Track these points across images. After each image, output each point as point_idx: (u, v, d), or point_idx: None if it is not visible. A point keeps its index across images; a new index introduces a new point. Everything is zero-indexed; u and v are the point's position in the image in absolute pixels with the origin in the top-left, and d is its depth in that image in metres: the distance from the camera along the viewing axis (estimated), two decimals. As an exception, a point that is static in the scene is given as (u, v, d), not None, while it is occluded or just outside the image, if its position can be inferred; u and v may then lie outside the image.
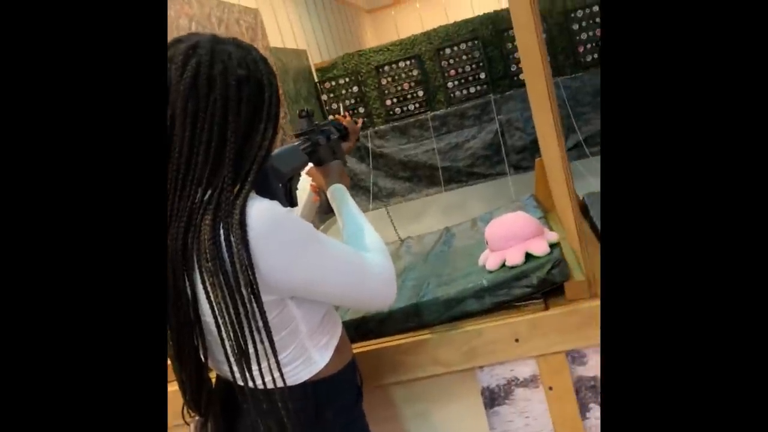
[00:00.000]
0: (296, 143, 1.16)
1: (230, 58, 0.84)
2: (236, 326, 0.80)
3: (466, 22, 6.52)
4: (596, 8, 5.87)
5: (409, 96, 6.66)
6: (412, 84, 6.65)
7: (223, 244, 0.78)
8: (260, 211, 0.81)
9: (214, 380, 0.97)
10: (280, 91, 5.71)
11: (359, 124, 1.45)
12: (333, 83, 6.78)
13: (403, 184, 6.64)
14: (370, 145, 6.53)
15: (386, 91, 6.70)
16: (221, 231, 0.78)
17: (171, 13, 3.90)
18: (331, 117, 1.43)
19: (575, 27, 6.01)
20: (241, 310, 0.80)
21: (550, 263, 1.38)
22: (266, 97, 0.87)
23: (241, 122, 0.83)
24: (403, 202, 6.56)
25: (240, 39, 0.88)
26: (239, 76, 0.84)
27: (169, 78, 0.80)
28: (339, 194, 1.14)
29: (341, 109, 1.63)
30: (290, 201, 1.06)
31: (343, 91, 6.77)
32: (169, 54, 0.81)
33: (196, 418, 0.96)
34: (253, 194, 0.84)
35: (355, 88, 6.75)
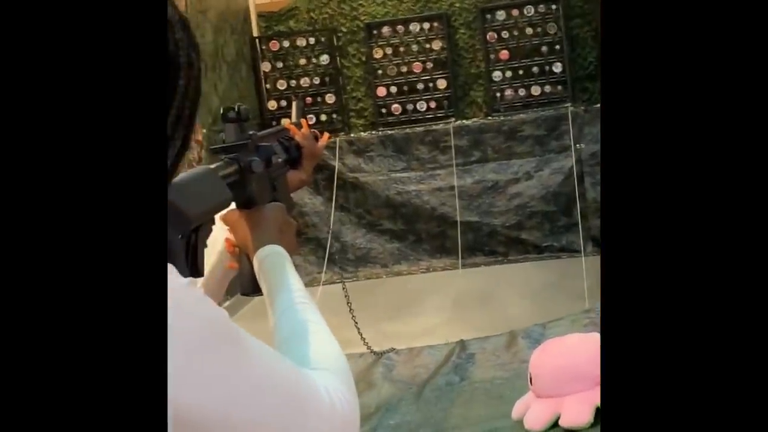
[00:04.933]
0: (214, 165, 1.25)
1: None
2: None
3: (541, -31, 6.81)
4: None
5: (420, 86, 6.89)
6: (429, 65, 6.88)
7: None
8: None
9: None
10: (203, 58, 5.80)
11: (324, 141, 1.55)
12: (286, 43, 6.99)
13: (387, 243, 6.76)
14: (336, 164, 6.67)
15: (380, 72, 6.92)
16: None
17: None
18: (283, 122, 1.52)
19: None
20: None
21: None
22: (180, 86, 0.96)
23: None
24: (385, 278, 6.65)
25: None
26: None
27: None
28: (274, 264, 1.21)
29: (294, 112, 1.70)
30: (193, 267, 1.15)
31: (303, 61, 6.96)
32: None
33: None
34: None
35: (325, 59, 6.95)
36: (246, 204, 1.29)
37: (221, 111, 1.30)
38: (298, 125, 1.51)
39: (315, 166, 1.51)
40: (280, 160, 1.38)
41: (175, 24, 0.98)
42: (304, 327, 1.11)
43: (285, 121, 1.56)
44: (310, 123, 6.12)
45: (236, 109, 1.29)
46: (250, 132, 1.31)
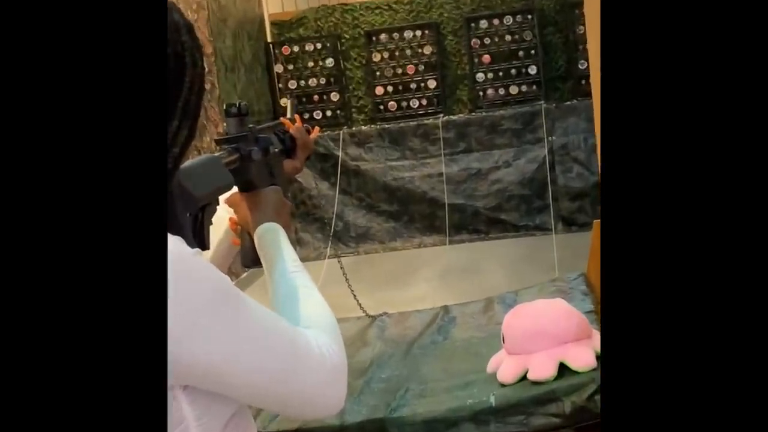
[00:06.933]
0: (218, 154, 1.25)
1: None
2: None
3: (518, -17, 6.80)
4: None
5: (413, 86, 6.88)
6: (421, 68, 6.86)
7: None
8: None
9: None
10: (211, 59, 5.82)
11: (314, 135, 1.55)
12: (296, 48, 6.97)
13: (384, 223, 6.77)
14: (340, 153, 6.67)
15: (378, 73, 6.91)
16: None
17: None
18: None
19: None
20: None
21: (594, 385, 1.49)
22: (186, 83, 0.96)
23: None
24: (381, 253, 6.66)
25: None
26: None
27: None
28: (271, 239, 1.21)
29: (289, 108, 1.71)
30: (200, 240, 1.15)
31: (311, 63, 6.95)
32: None
33: None
34: None
35: (330, 62, 6.94)
36: (247, 188, 1.28)
37: (224, 107, 1.31)
38: (293, 120, 1.51)
39: (311, 155, 1.50)
40: (276, 150, 1.37)
41: (181, 28, 0.97)
42: (296, 292, 1.11)
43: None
44: (317, 118, 6.08)
45: (237, 105, 1.29)
46: (250, 125, 1.31)
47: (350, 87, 7.03)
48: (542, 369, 1.59)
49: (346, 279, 1.84)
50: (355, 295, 1.90)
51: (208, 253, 1.25)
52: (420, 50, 6.86)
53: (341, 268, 1.79)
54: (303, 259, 1.21)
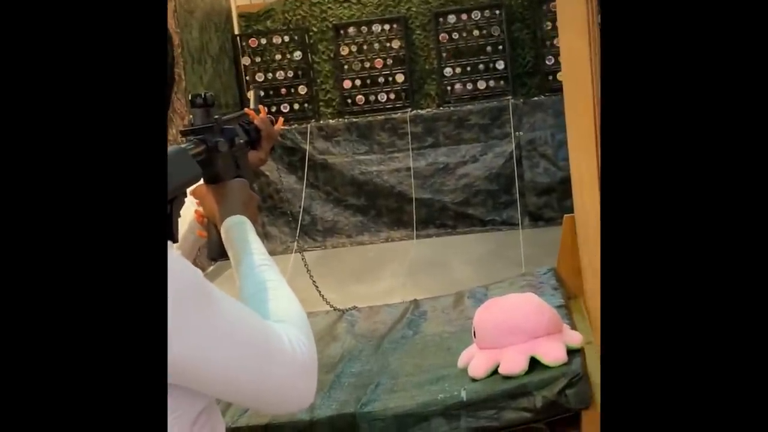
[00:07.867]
0: (184, 145, 1.23)
1: None
2: None
3: (487, -21, 6.82)
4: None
5: (381, 80, 6.87)
6: (389, 62, 6.86)
7: None
8: None
9: None
10: (178, 50, 5.77)
11: (279, 125, 1.53)
12: (263, 41, 6.92)
13: (351, 217, 6.76)
14: (307, 147, 6.65)
15: (346, 67, 6.89)
16: None
17: None
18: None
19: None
20: None
21: (565, 379, 1.49)
22: None
23: None
24: (349, 247, 6.65)
25: None
26: None
27: None
28: (238, 232, 1.21)
29: (252, 99, 1.71)
30: (168, 234, 1.13)
31: (278, 56, 6.91)
32: None
33: None
34: None
35: (298, 55, 6.91)
36: (213, 180, 1.28)
37: (190, 98, 1.29)
38: (257, 111, 1.49)
39: (271, 149, 1.49)
40: (242, 141, 1.36)
41: None
42: (265, 286, 1.10)
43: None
44: (284, 111, 6.04)
45: (203, 96, 1.28)
46: (215, 116, 1.30)
47: (318, 80, 7.00)
48: (513, 363, 1.59)
49: (311, 275, 1.82)
50: (319, 291, 1.88)
51: (175, 246, 1.24)
52: (388, 44, 6.85)
53: (304, 262, 1.77)
54: (270, 253, 1.20)
